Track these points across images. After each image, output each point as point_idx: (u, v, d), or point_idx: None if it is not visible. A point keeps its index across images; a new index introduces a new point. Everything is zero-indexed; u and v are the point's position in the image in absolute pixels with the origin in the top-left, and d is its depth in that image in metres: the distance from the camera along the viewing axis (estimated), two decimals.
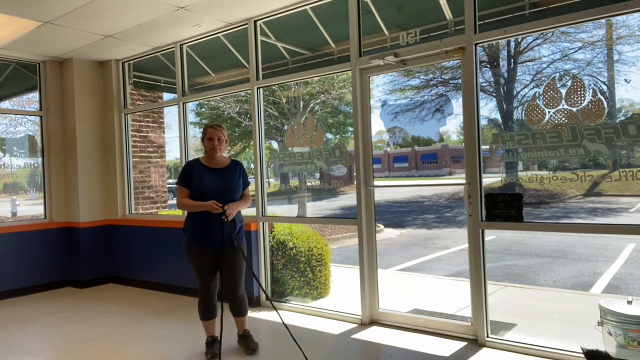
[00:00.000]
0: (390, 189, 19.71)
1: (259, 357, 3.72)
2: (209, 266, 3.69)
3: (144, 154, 7.03)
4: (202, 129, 3.84)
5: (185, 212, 3.83)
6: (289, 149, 4.99)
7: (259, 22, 5.11)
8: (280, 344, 3.98)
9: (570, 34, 6.42)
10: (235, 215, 3.67)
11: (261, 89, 5.23)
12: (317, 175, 5.33)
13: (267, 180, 5.36)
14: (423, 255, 8.56)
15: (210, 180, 3.66)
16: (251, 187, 5.14)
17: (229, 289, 3.72)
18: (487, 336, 3.77)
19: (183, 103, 5.89)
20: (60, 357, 3.92)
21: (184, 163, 5.81)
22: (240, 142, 14.94)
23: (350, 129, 13.27)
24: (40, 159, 6.47)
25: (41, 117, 6.43)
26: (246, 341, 3.82)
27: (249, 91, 5.24)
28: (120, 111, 6.57)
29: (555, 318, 4.66)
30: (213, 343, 3.77)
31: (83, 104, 6.40)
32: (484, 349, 3.69)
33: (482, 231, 3.78)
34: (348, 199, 15.09)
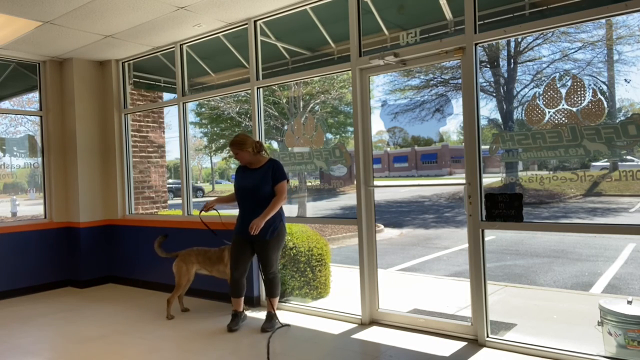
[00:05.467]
0: (390, 189, 19.71)
1: (257, 357, 3.72)
2: (238, 252, 4.35)
3: (144, 154, 7.03)
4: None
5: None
6: (289, 149, 4.99)
7: (259, 22, 5.11)
8: (280, 344, 3.99)
9: (570, 34, 6.43)
10: (259, 228, 4.14)
11: (261, 89, 5.23)
12: (317, 175, 5.33)
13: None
14: (423, 255, 8.56)
15: (241, 181, 4.38)
16: None
17: (262, 270, 4.40)
18: (487, 336, 3.77)
19: (183, 103, 5.89)
20: (60, 357, 3.92)
21: (184, 163, 5.87)
22: None
23: (350, 129, 13.27)
24: (40, 159, 6.47)
25: (41, 117, 6.43)
26: (264, 320, 4.42)
27: (249, 91, 5.24)
28: (120, 111, 6.57)
29: (555, 318, 4.66)
30: (235, 316, 4.42)
31: (83, 104, 6.40)
32: (484, 349, 3.69)
33: (482, 231, 3.78)
34: (348, 199, 15.11)
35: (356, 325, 4.39)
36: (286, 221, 4.48)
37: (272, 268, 4.34)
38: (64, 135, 6.49)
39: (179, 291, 4.89)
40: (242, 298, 4.47)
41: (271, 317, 4.39)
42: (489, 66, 8.44)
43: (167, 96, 7.12)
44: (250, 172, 4.35)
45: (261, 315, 4.71)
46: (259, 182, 4.26)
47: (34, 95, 6.57)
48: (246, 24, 5.13)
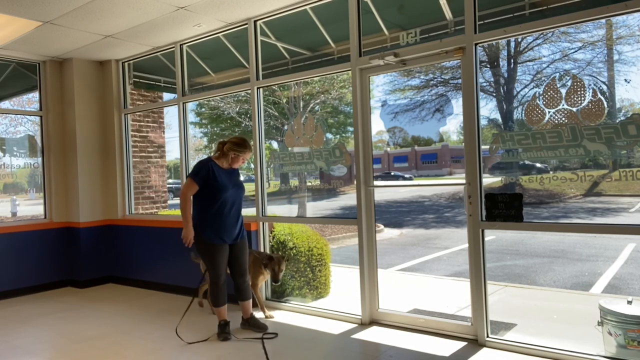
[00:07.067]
0: (390, 189, 19.71)
1: (257, 357, 3.72)
2: (223, 259, 4.18)
3: (144, 154, 7.03)
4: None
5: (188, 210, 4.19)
6: (289, 149, 4.99)
7: (259, 22, 5.11)
8: (281, 344, 3.99)
9: (570, 34, 6.43)
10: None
11: (261, 89, 5.23)
12: (317, 175, 5.33)
13: (267, 180, 5.37)
14: (423, 255, 8.56)
15: (232, 184, 4.16)
16: (251, 187, 5.16)
17: (239, 274, 4.29)
18: (487, 336, 3.77)
19: (183, 103, 5.89)
20: (60, 357, 3.92)
21: (184, 163, 5.85)
22: None
23: (350, 129, 13.28)
24: (40, 159, 6.47)
25: (41, 117, 6.43)
26: (256, 323, 4.32)
27: (249, 91, 5.24)
28: (120, 111, 6.57)
29: (555, 318, 4.66)
30: (225, 326, 4.18)
31: (83, 104, 6.40)
32: (484, 349, 3.69)
33: (482, 231, 3.78)
34: (348, 199, 15.09)
35: (356, 325, 4.39)
36: (286, 221, 4.51)
37: (248, 269, 4.38)
38: (64, 135, 6.49)
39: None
40: (226, 305, 4.27)
41: (255, 317, 4.38)
42: (489, 66, 8.44)
43: (167, 96, 7.12)
44: (232, 175, 4.21)
45: (261, 315, 4.71)
46: (243, 186, 4.33)
47: (34, 95, 6.57)
48: (246, 24, 5.13)
